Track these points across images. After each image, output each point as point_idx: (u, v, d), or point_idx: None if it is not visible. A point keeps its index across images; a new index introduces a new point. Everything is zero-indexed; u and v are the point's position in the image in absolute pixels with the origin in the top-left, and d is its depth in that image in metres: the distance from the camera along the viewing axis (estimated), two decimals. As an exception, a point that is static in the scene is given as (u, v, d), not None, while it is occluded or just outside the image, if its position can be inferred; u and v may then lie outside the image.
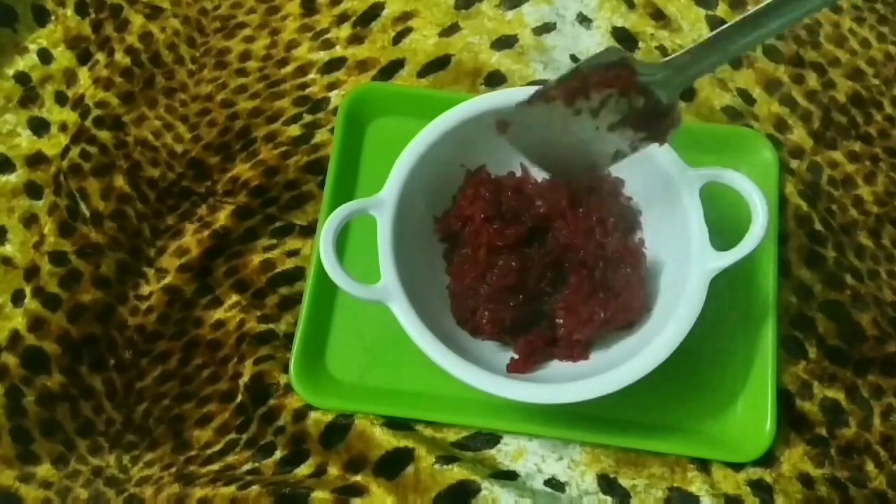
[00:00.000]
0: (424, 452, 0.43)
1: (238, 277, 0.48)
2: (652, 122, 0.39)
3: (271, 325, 0.47)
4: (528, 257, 0.43)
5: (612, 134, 0.40)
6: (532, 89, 0.39)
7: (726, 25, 0.36)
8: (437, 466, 0.43)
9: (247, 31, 0.54)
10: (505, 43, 0.53)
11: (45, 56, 0.52)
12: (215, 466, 0.44)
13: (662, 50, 0.53)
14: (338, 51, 0.53)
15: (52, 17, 0.53)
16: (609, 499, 0.43)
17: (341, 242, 0.46)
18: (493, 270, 0.43)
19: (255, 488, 0.42)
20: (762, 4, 0.35)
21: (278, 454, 0.44)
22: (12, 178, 0.49)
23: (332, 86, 0.52)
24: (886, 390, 0.46)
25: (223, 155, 0.50)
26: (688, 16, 0.54)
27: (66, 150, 0.50)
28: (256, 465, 0.44)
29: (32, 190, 0.49)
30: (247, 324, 0.47)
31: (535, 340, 0.43)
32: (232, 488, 0.42)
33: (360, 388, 0.45)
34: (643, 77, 0.38)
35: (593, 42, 0.53)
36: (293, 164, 0.50)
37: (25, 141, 0.50)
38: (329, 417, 0.45)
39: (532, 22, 0.53)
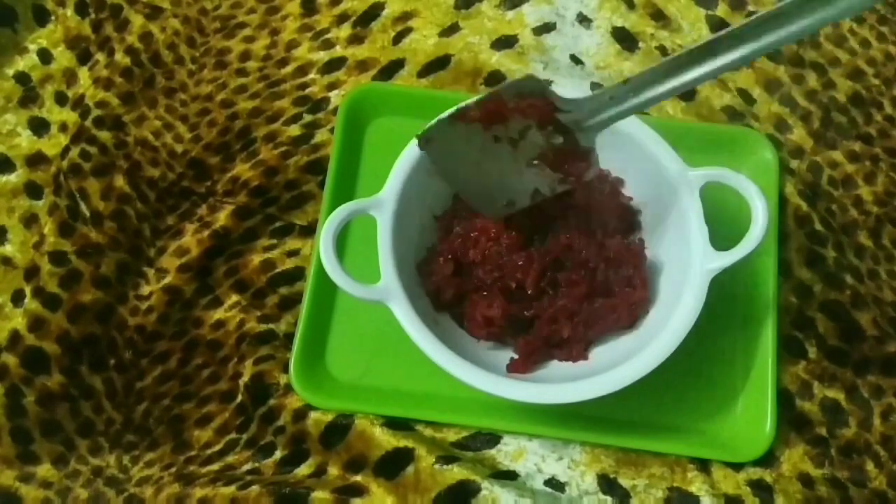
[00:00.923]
0: (424, 452, 0.43)
1: (238, 277, 0.48)
2: (569, 163, 0.39)
3: (271, 325, 0.47)
4: (529, 257, 0.43)
5: (531, 170, 0.40)
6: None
7: (651, 67, 0.35)
8: (437, 466, 0.43)
9: (247, 31, 0.54)
10: (505, 43, 0.53)
11: (45, 56, 0.52)
12: (215, 466, 0.44)
13: (662, 50, 0.53)
14: (338, 51, 0.53)
15: (52, 17, 0.53)
16: (609, 499, 0.43)
17: (341, 242, 0.46)
18: (493, 271, 0.43)
19: (255, 488, 0.42)
20: (686, 51, 0.34)
21: (278, 454, 0.44)
22: (12, 178, 0.49)
23: (332, 86, 0.52)
24: (886, 390, 0.46)
25: (223, 155, 0.50)
26: (688, 16, 0.54)
27: (66, 150, 0.50)
28: (256, 465, 0.44)
29: (32, 190, 0.49)
30: (247, 324, 0.47)
31: (535, 340, 0.43)
32: (232, 488, 0.42)
33: (360, 388, 0.45)
34: (562, 114, 0.38)
35: (593, 42, 0.53)
36: (293, 164, 0.50)
37: (25, 141, 0.50)
38: (329, 417, 0.45)
39: (532, 22, 0.53)
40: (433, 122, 0.40)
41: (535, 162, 0.39)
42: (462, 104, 0.39)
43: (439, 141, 0.40)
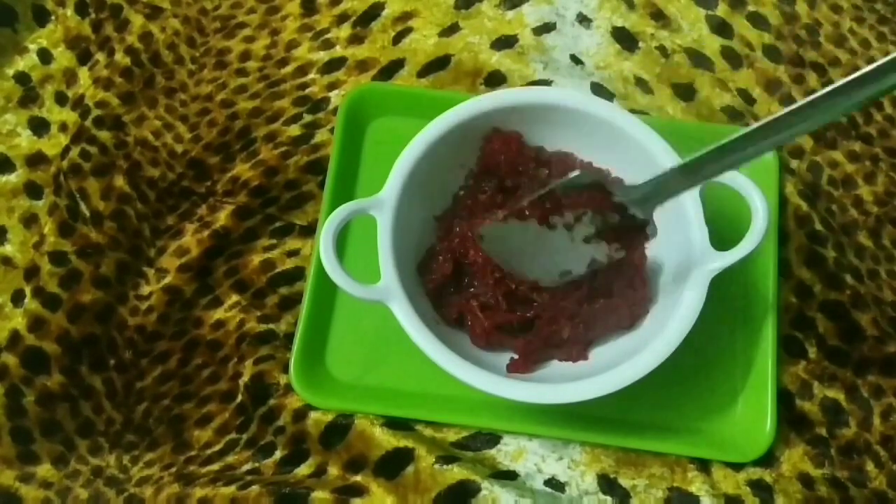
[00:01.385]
0: (424, 452, 0.43)
1: (238, 277, 0.48)
2: (626, 235, 0.40)
3: (271, 325, 0.47)
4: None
5: (587, 245, 0.40)
6: (537, 90, 0.40)
7: (702, 152, 0.36)
8: (437, 466, 0.43)
9: (247, 31, 0.54)
10: (505, 43, 0.53)
11: (45, 56, 0.52)
12: (215, 466, 0.44)
13: (662, 50, 0.53)
14: (338, 51, 0.53)
15: (52, 17, 0.53)
16: (609, 499, 0.43)
17: (341, 242, 0.46)
18: (493, 271, 0.43)
19: (255, 488, 0.42)
20: (737, 135, 0.34)
21: (278, 454, 0.44)
22: (12, 178, 0.49)
23: (332, 86, 0.52)
24: (886, 390, 0.46)
25: (223, 155, 0.50)
26: (688, 16, 0.54)
27: (66, 150, 0.50)
28: (256, 465, 0.44)
29: (32, 190, 0.49)
30: (247, 324, 0.47)
31: (535, 341, 0.43)
32: (232, 488, 0.42)
33: (360, 388, 0.45)
34: (618, 197, 0.39)
35: (593, 42, 0.53)
36: (293, 164, 0.50)
37: (25, 141, 0.50)
38: (329, 417, 0.45)
39: (532, 22, 0.53)
40: (488, 224, 0.41)
41: (591, 238, 0.40)
42: (516, 205, 0.40)
43: (494, 237, 0.41)
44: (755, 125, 0.33)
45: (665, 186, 0.38)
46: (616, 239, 0.40)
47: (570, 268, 0.41)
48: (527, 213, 0.40)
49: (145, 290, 0.48)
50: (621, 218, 0.39)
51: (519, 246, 0.41)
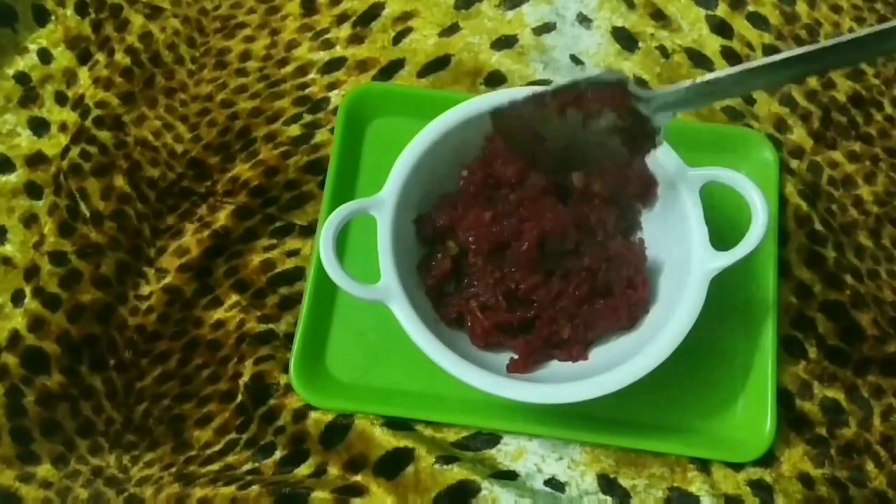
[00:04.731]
0: (424, 452, 0.43)
1: (238, 277, 0.48)
2: (636, 139, 0.40)
3: (271, 325, 0.47)
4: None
5: (599, 141, 0.41)
6: (530, 90, 0.40)
7: (730, 70, 0.37)
8: (437, 466, 0.43)
9: (247, 31, 0.54)
10: (505, 43, 0.53)
11: (45, 56, 0.52)
12: (215, 466, 0.44)
13: (662, 50, 0.53)
14: (338, 51, 0.53)
15: (52, 17, 0.53)
16: (609, 499, 0.43)
17: (341, 242, 0.46)
18: (493, 272, 0.43)
19: (255, 488, 0.42)
20: (765, 60, 0.36)
21: (278, 454, 0.44)
22: (12, 178, 0.49)
23: (332, 86, 0.52)
24: (886, 390, 0.46)
25: (223, 155, 0.50)
26: (688, 16, 0.54)
27: (66, 150, 0.50)
28: (256, 465, 0.44)
29: (32, 190, 0.49)
30: (247, 324, 0.47)
31: (536, 340, 0.43)
32: (232, 488, 0.42)
33: (360, 388, 0.45)
34: (636, 101, 0.39)
35: (593, 42, 0.53)
36: (293, 164, 0.50)
37: (25, 141, 0.50)
38: (329, 417, 0.45)
39: (532, 22, 0.53)
40: (506, 100, 0.42)
41: (603, 133, 0.40)
42: (539, 90, 0.40)
43: (510, 117, 0.42)
44: (777, 56, 0.35)
45: (685, 97, 0.38)
46: (627, 140, 0.41)
47: (579, 164, 0.42)
48: (547, 102, 0.40)
49: (145, 290, 0.48)
50: (634, 121, 0.40)
51: (532, 130, 0.41)
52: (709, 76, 0.37)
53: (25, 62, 0.52)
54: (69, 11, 0.53)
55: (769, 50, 0.53)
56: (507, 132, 0.43)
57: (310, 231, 0.49)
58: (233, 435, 0.45)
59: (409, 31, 0.53)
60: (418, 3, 0.54)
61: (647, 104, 0.39)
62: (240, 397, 0.45)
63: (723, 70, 0.37)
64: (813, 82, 0.52)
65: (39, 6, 0.53)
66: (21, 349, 0.45)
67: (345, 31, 0.54)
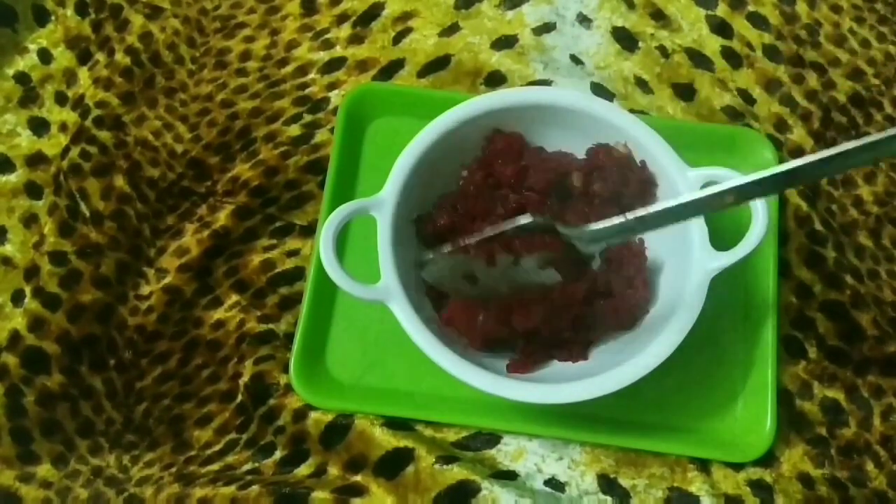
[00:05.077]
0: (424, 452, 0.43)
1: (238, 277, 0.48)
2: (570, 267, 0.40)
3: (271, 325, 0.47)
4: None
5: (534, 272, 0.40)
6: (538, 90, 0.40)
7: (646, 211, 0.37)
8: (437, 466, 0.43)
9: (247, 31, 0.54)
10: (505, 43, 0.53)
11: (45, 56, 0.52)
12: (215, 466, 0.44)
13: (662, 50, 0.53)
14: (338, 51, 0.53)
15: (52, 17, 0.53)
16: (609, 499, 0.43)
17: (341, 242, 0.46)
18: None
19: (255, 488, 0.42)
20: (680, 200, 0.36)
21: (278, 454, 0.44)
22: (12, 178, 0.49)
23: (332, 86, 0.52)
24: (886, 390, 0.46)
25: (223, 155, 0.50)
26: (688, 16, 0.54)
27: (66, 150, 0.50)
28: (256, 465, 0.44)
29: (32, 190, 0.49)
30: (247, 324, 0.47)
31: (536, 341, 0.43)
32: (232, 488, 0.42)
33: (360, 388, 0.45)
34: (565, 236, 0.39)
35: (593, 42, 0.53)
36: (293, 164, 0.50)
37: (25, 141, 0.50)
38: (329, 417, 0.45)
39: (532, 22, 0.53)
40: (430, 254, 0.41)
41: (538, 267, 0.40)
42: (462, 242, 0.40)
43: (436, 266, 0.41)
44: (705, 192, 0.35)
45: (617, 233, 0.38)
46: (562, 268, 0.40)
47: (518, 291, 0.41)
48: (471, 252, 0.40)
49: (145, 290, 0.48)
50: (566, 252, 0.39)
51: (462, 275, 0.41)
52: (639, 212, 0.37)
53: (25, 62, 0.52)
54: (69, 11, 0.53)
55: (769, 50, 0.53)
56: (438, 280, 0.42)
57: (310, 231, 0.49)
58: (233, 435, 0.45)
59: (409, 31, 0.53)
60: (418, 3, 0.54)
61: (579, 240, 0.39)
62: (240, 397, 0.45)
63: (651, 207, 0.37)
64: (813, 82, 0.52)
65: (39, 6, 0.53)
66: (21, 349, 0.45)
67: (345, 31, 0.54)
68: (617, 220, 0.38)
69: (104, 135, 0.50)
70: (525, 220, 0.39)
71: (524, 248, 0.39)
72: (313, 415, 0.45)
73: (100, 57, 0.52)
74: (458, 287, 0.41)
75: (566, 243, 0.39)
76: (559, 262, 0.39)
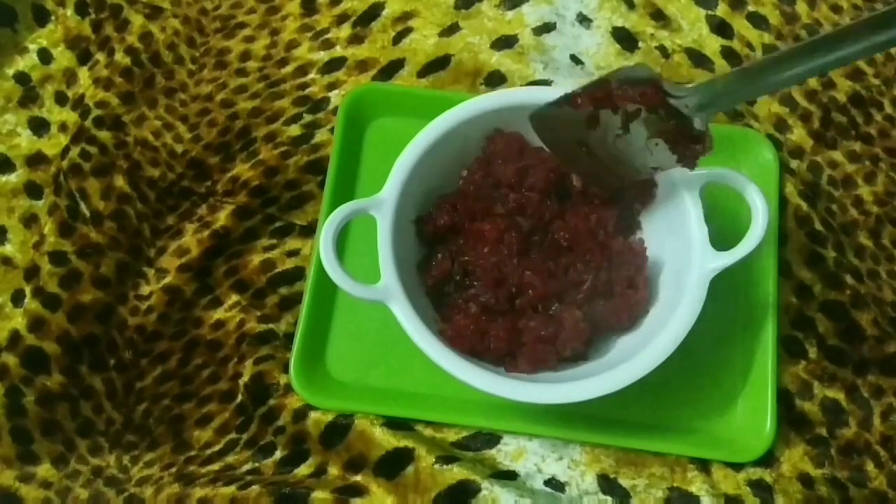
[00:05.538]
0: (424, 452, 0.43)
1: (238, 277, 0.48)
2: (682, 144, 0.38)
3: (271, 325, 0.47)
4: (528, 260, 0.43)
5: (643, 149, 0.39)
6: (538, 90, 0.39)
7: (766, 57, 0.34)
8: (437, 466, 0.43)
9: (247, 31, 0.54)
10: (505, 43, 0.53)
11: (45, 56, 0.52)
12: (215, 466, 0.44)
13: (662, 50, 0.53)
14: (338, 51, 0.53)
15: (52, 17, 0.53)
16: (609, 499, 0.43)
17: (341, 242, 0.46)
18: (493, 271, 0.43)
19: (255, 488, 0.42)
20: (804, 42, 0.33)
21: (278, 454, 0.44)
22: (12, 178, 0.49)
23: (332, 86, 0.52)
24: (886, 390, 0.46)
25: (223, 155, 0.50)
26: (688, 16, 0.54)
27: (66, 150, 0.50)
28: (256, 465, 0.44)
29: (32, 190, 0.49)
30: (247, 324, 0.47)
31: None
32: (232, 488, 0.42)
33: (360, 388, 0.45)
34: (672, 99, 0.37)
35: (593, 42, 0.53)
36: (293, 164, 0.50)
37: (25, 141, 0.50)
38: (329, 417, 0.45)
39: (532, 22, 0.53)
40: (542, 105, 0.41)
41: (656, 142, 0.38)
42: (570, 91, 0.39)
43: (547, 120, 0.41)
44: (812, 39, 0.33)
45: (723, 92, 0.36)
46: (674, 145, 0.38)
47: (625, 173, 0.40)
48: (578, 101, 0.39)
49: (145, 290, 0.48)
50: (676, 123, 0.37)
51: (571, 135, 0.40)
52: (745, 65, 0.35)
53: (25, 62, 0.52)
54: (69, 11, 0.53)
55: (769, 50, 0.53)
56: (549, 138, 0.41)
57: (310, 231, 0.49)
58: (233, 435, 0.45)
59: (409, 31, 0.53)
60: (418, 3, 0.54)
61: (684, 101, 0.37)
62: (240, 397, 0.45)
63: (758, 59, 0.34)
64: (813, 82, 0.52)
65: (39, 6, 0.53)
66: (21, 349, 0.45)
67: (345, 31, 0.54)
68: (725, 77, 0.35)
69: (104, 135, 0.50)
70: (630, 67, 0.37)
71: (625, 99, 0.37)
72: (313, 415, 0.45)
73: (100, 57, 0.52)
74: (568, 153, 0.41)
75: (671, 107, 0.37)
76: (670, 133, 0.37)
